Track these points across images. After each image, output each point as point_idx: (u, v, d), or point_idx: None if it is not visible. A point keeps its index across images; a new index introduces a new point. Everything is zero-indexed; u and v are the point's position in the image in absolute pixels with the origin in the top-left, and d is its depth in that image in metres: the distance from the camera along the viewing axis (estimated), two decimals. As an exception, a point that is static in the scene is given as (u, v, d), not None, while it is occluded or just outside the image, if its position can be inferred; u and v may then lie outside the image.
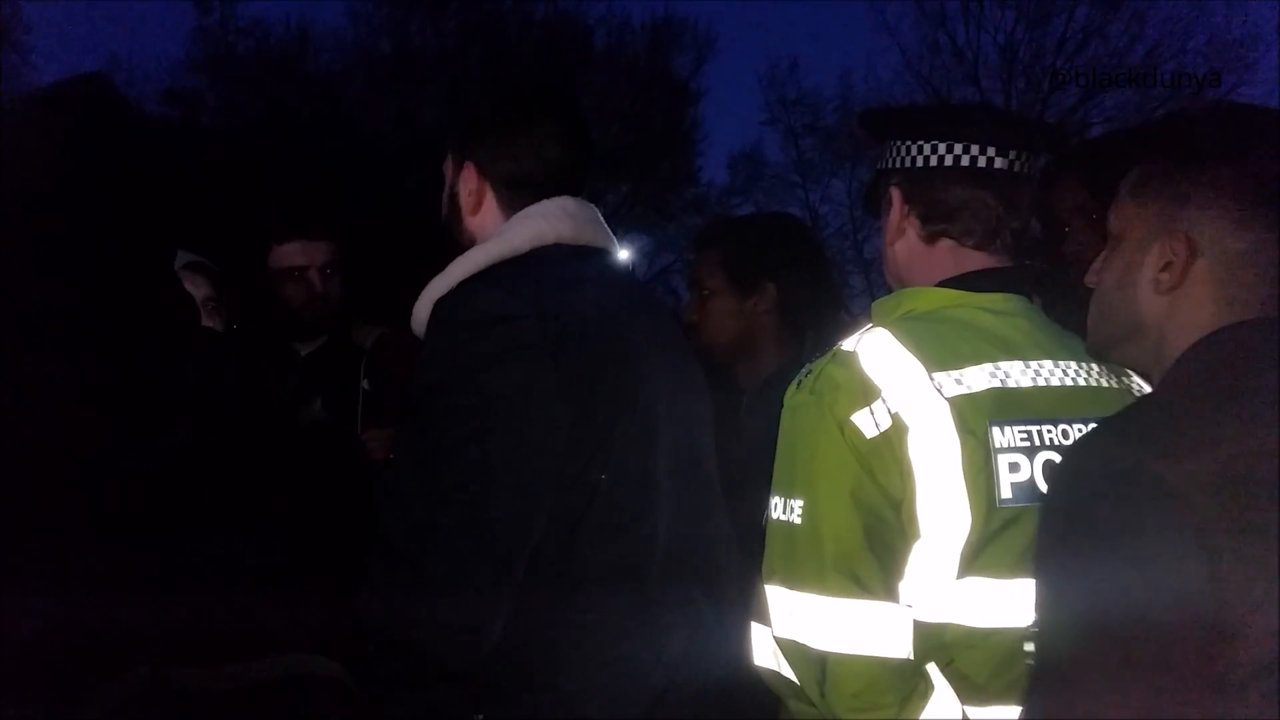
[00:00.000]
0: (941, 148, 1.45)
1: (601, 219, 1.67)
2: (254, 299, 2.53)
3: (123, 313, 1.38)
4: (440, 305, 1.49)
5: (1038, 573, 1.07)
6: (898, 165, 1.49)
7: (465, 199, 1.65)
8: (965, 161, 1.45)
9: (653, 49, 20.67)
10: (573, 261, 1.55)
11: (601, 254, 1.64)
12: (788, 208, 18.33)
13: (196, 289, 2.38)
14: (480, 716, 1.41)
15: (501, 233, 1.57)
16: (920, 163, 1.47)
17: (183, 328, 1.54)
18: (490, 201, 1.63)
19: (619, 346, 1.50)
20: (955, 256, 1.47)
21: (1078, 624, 0.99)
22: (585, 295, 1.50)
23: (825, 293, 2.25)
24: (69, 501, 1.36)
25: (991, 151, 1.44)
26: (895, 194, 1.50)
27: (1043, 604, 1.06)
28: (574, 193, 1.64)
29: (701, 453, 1.62)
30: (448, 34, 19.34)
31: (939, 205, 1.46)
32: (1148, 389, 1.46)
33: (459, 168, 1.66)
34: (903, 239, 1.50)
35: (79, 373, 1.35)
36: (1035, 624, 1.09)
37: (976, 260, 1.46)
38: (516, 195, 1.61)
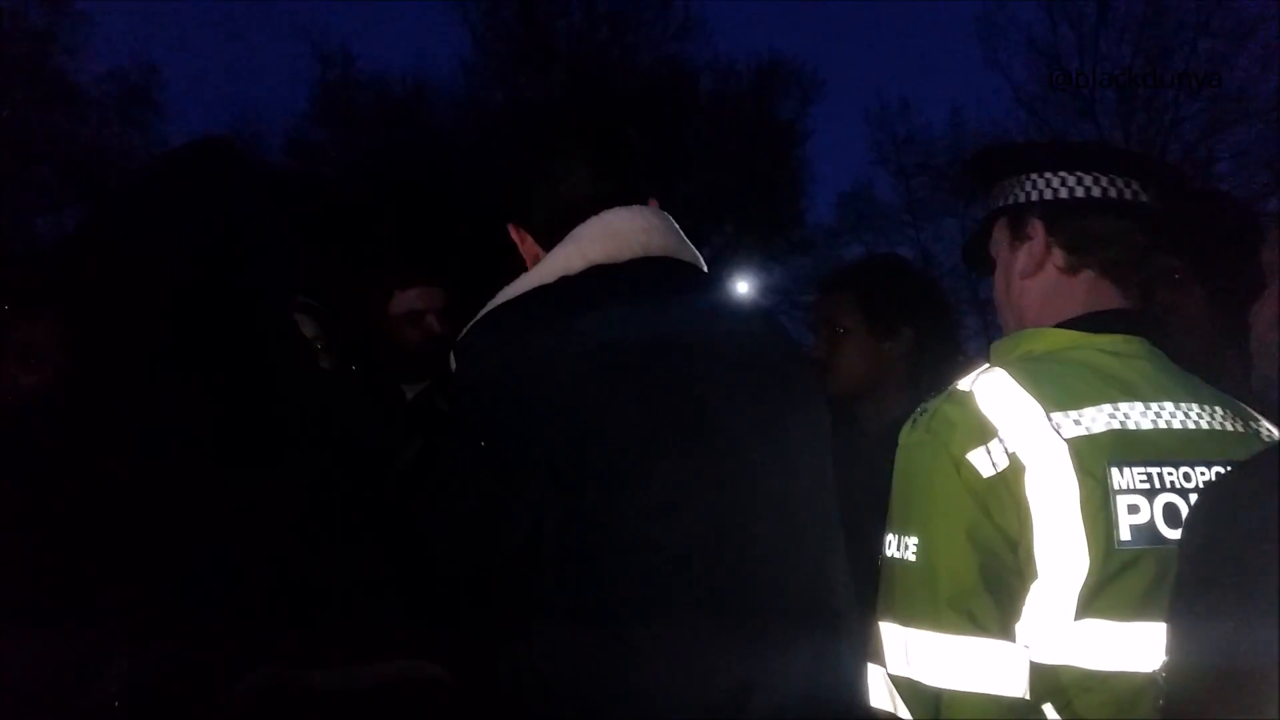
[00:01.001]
0: (1088, 179, 1.45)
1: (667, 224, 1.58)
2: (368, 341, 2.63)
3: (246, 349, 1.51)
4: (455, 348, 1.54)
5: (1171, 614, 1.06)
6: (1037, 198, 1.48)
7: (525, 254, 1.64)
8: (1113, 193, 1.45)
9: (758, 92, 20.81)
10: (604, 284, 1.48)
11: (662, 264, 1.54)
12: (898, 247, 18.13)
13: (305, 329, 2.53)
14: None
15: (533, 269, 1.55)
16: (1065, 194, 1.46)
17: (300, 365, 1.67)
18: (540, 252, 1.60)
19: (651, 371, 1.43)
20: (1094, 290, 1.46)
21: (1213, 668, 0.97)
22: (598, 321, 1.44)
23: (950, 337, 2.30)
24: (202, 521, 1.49)
25: (1136, 185, 1.45)
26: (1038, 226, 1.48)
27: (1176, 647, 1.04)
28: (628, 202, 1.55)
29: (787, 481, 1.50)
30: (555, 84, 19.85)
31: (1087, 235, 1.45)
32: (1278, 433, 1.43)
33: (518, 232, 1.65)
34: (1042, 272, 1.48)
35: (203, 406, 1.49)
36: (1166, 666, 1.07)
37: (1111, 294, 1.46)
38: (559, 236, 1.55)
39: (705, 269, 1.61)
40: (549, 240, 1.56)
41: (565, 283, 1.48)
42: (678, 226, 1.59)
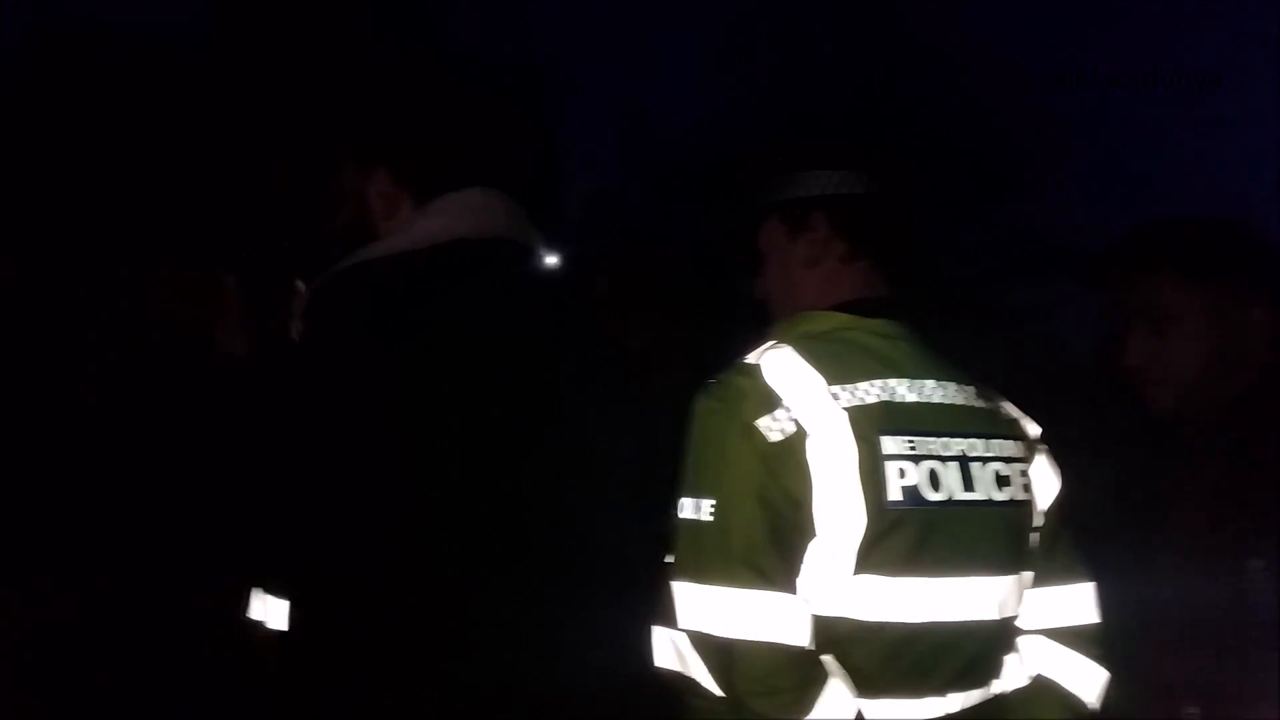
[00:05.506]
0: (865, 176, 1.60)
1: (514, 208, 1.64)
2: None
3: None
4: (312, 296, 1.48)
5: None
6: (818, 193, 1.60)
7: (377, 203, 1.62)
8: (883, 189, 1.61)
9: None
10: (466, 262, 1.53)
11: (509, 247, 1.61)
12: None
13: None
14: None
15: (403, 230, 1.56)
16: (846, 190, 1.59)
17: None
18: (406, 205, 1.61)
19: (506, 366, 1.49)
20: (866, 278, 1.61)
21: None
22: (462, 303, 1.49)
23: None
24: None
25: (895, 181, 1.63)
26: (821, 219, 1.60)
27: None
28: (486, 182, 1.61)
29: (612, 462, 1.60)
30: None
31: (866, 229, 1.60)
32: (1014, 411, 1.65)
33: (367, 173, 1.63)
34: (823, 262, 1.61)
35: None
36: None
37: (879, 282, 1.62)
38: (432, 194, 1.59)
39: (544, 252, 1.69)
40: (423, 195, 1.58)
41: (441, 253, 1.51)
42: (524, 210, 1.65)
